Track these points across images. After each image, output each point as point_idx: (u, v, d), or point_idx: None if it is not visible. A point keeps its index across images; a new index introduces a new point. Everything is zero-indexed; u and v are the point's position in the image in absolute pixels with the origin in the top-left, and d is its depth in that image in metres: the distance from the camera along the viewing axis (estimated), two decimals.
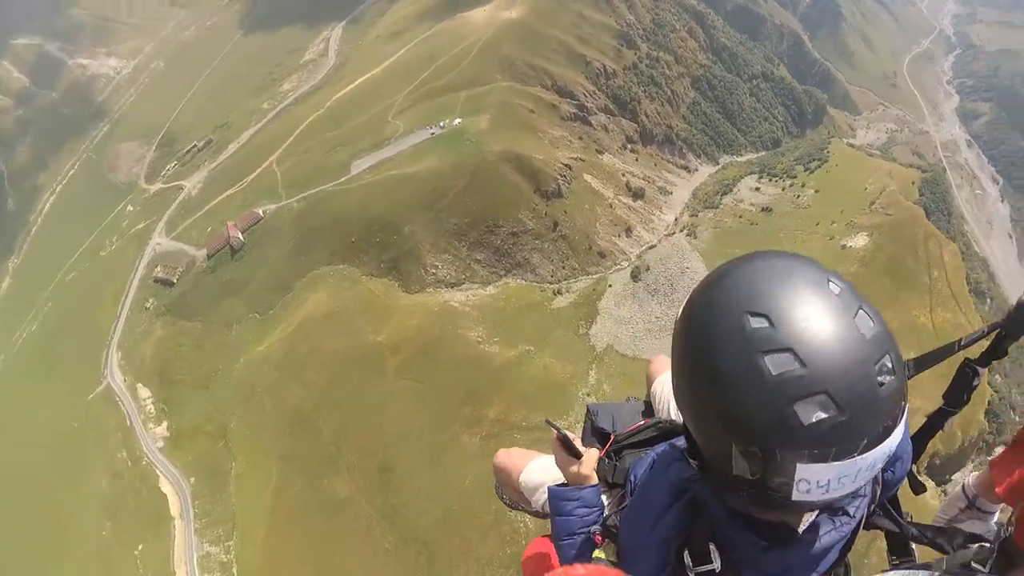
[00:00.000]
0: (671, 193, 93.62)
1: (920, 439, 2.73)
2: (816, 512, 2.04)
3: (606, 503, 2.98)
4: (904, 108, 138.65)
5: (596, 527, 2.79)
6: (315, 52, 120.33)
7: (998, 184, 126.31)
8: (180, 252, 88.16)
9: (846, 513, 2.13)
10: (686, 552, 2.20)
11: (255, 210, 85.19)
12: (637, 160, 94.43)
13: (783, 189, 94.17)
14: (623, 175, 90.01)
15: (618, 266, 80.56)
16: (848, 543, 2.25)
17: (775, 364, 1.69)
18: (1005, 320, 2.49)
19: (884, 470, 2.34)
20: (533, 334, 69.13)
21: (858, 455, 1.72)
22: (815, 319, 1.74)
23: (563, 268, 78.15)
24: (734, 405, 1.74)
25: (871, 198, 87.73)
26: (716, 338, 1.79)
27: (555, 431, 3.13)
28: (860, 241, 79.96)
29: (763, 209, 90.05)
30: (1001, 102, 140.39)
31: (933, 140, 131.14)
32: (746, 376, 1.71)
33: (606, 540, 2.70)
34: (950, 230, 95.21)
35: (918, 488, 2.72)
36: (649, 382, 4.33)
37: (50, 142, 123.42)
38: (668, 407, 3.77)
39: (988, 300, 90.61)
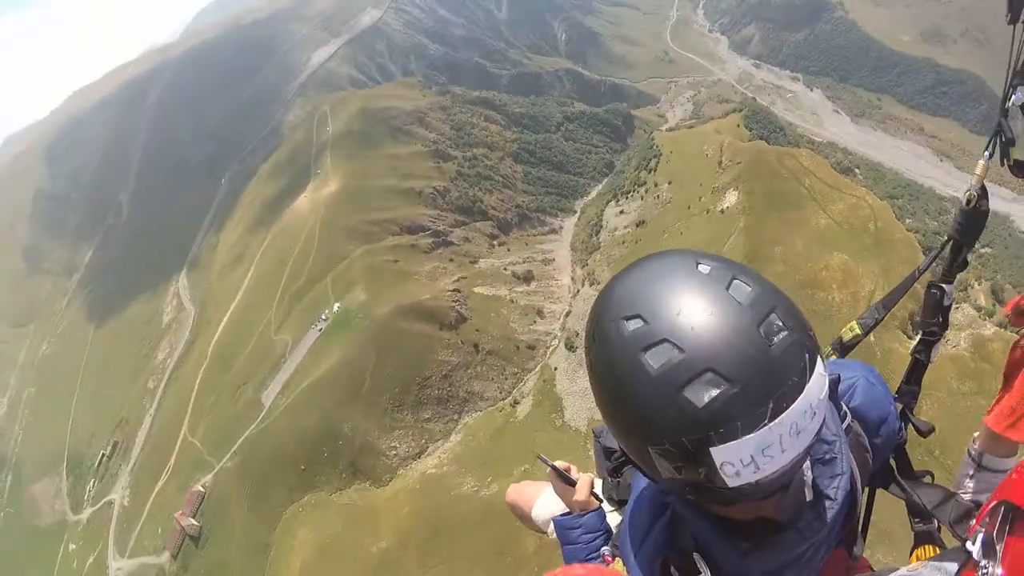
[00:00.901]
0: (554, 259, 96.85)
1: (910, 377, 2.79)
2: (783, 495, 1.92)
3: (614, 523, 3.01)
4: (690, 73, 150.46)
5: (605, 548, 2.81)
6: (172, 310, 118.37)
7: (799, 80, 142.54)
8: (143, 567, 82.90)
9: (826, 497, 2.07)
10: (672, 568, 2.14)
11: (194, 489, 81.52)
12: (509, 250, 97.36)
13: (642, 198, 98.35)
14: (506, 269, 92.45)
15: (550, 347, 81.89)
16: (843, 524, 2.18)
17: (655, 357, 1.67)
18: (953, 230, 2.64)
19: (871, 438, 2.42)
20: (518, 452, 68.41)
21: (769, 421, 1.64)
22: (686, 303, 1.72)
23: (506, 379, 78.75)
24: (632, 408, 1.74)
25: (716, 159, 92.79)
26: (603, 350, 1.79)
27: (547, 465, 3.22)
28: (732, 198, 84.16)
29: (637, 224, 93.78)
30: (758, 16, 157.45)
31: (728, 82, 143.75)
32: (634, 377, 1.70)
33: (616, 558, 2.61)
34: (792, 140, 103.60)
35: (923, 429, 2.71)
36: None
37: None
38: None
39: (855, 171, 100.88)
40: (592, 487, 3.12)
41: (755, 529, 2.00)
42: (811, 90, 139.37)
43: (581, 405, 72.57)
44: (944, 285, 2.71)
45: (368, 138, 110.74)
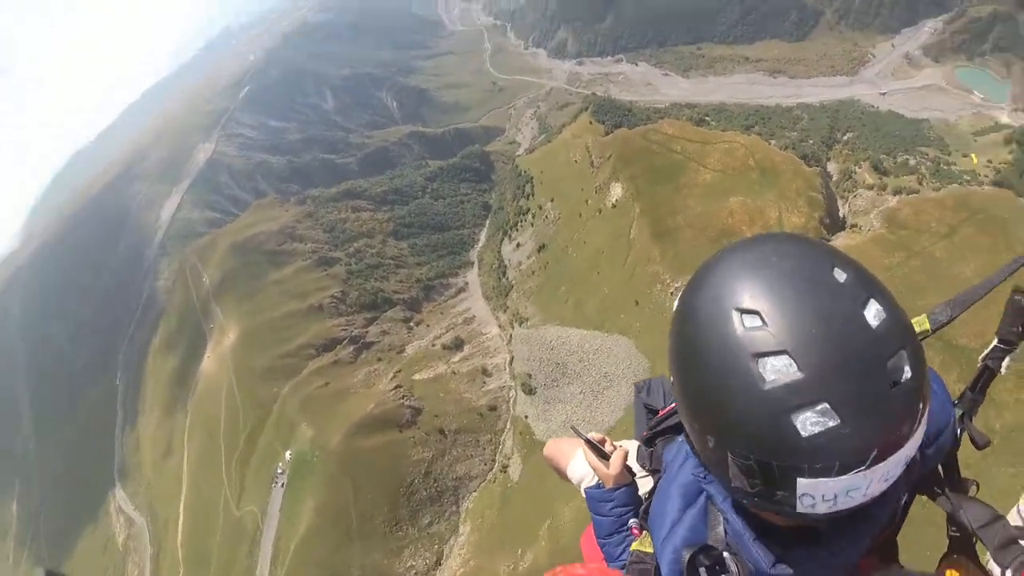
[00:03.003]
0: (474, 316, 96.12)
1: (976, 385, 2.63)
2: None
3: (644, 490, 2.97)
4: (523, 94, 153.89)
5: (633, 521, 2.81)
6: (122, 528, 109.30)
7: (623, 60, 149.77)
8: None
9: (870, 515, 1.95)
10: (699, 559, 2.04)
11: None
12: (428, 326, 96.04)
13: (532, 224, 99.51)
14: (434, 346, 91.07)
15: (511, 400, 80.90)
16: (876, 535, 2.11)
17: (770, 369, 1.57)
18: None
19: (924, 448, 2.23)
20: (532, 512, 66.36)
21: (867, 468, 1.57)
22: (815, 314, 1.60)
23: (484, 450, 77.32)
24: (728, 414, 1.64)
25: (587, 160, 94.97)
26: (705, 339, 1.69)
27: (581, 438, 3.12)
28: (617, 190, 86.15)
29: (539, 250, 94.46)
30: (563, 19, 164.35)
31: (561, 88, 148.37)
32: (739, 383, 1.60)
33: (645, 531, 2.61)
34: (642, 117, 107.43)
35: (981, 441, 2.53)
36: None
37: None
38: None
39: (707, 120, 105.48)
40: (626, 459, 3.03)
41: (793, 535, 1.96)
42: (636, 65, 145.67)
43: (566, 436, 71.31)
44: None
45: (248, 273, 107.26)
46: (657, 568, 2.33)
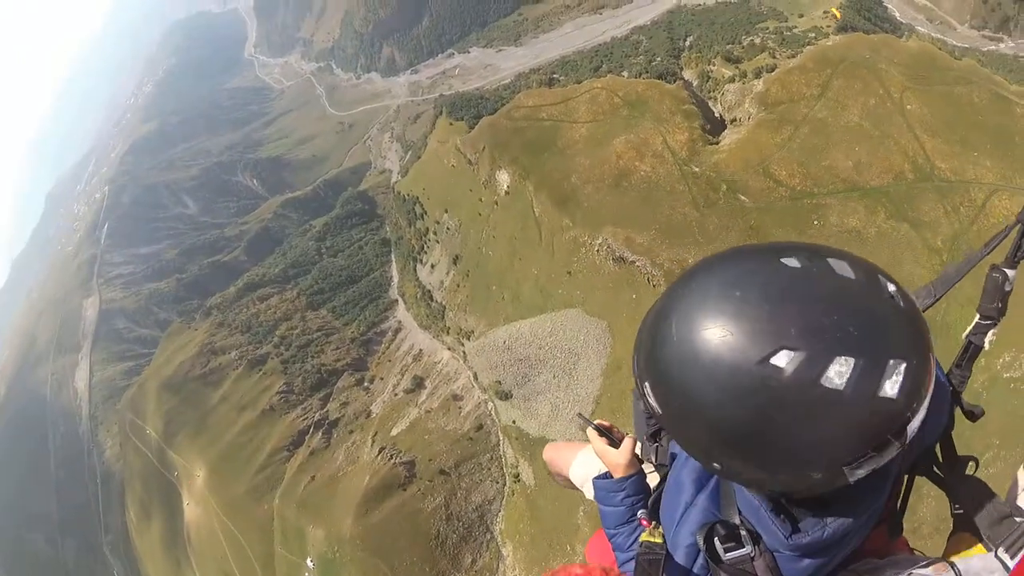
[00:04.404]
0: (420, 350, 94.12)
1: (962, 360, 2.70)
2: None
3: (653, 485, 2.98)
4: (373, 120, 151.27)
5: (642, 512, 2.81)
6: None
7: (455, 54, 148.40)
8: None
9: (873, 485, 2.06)
10: (716, 538, 2.16)
11: None
12: (382, 378, 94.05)
13: (437, 242, 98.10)
14: (396, 395, 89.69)
15: (490, 411, 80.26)
16: (883, 505, 2.22)
17: (836, 375, 1.62)
18: None
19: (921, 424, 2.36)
20: (564, 508, 66.59)
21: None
22: (830, 309, 1.67)
23: (490, 468, 76.97)
24: (820, 436, 1.69)
25: (463, 160, 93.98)
26: (758, 398, 1.65)
27: (588, 424, 3.14)
28: (504, 177, 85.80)
29: (455, 263, 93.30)
30: (381, 37, 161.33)
31: (407, 101, 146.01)
32: (822, 406, 1.63)
33: (654, 522, 2.67)
34: (496, 100, 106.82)
35: (976, 412, 2.62)
36: None
37: None
38: None
39: (556, 79, 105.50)
40: (635, 447, 3.03)
41: (804, 506, 2.05)
42: (468, 53, 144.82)
43: (562, 427, 71.45)
44: (1007, 270, 2.52)
45: (188, 407, 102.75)
46: (667, 558, 2.36)
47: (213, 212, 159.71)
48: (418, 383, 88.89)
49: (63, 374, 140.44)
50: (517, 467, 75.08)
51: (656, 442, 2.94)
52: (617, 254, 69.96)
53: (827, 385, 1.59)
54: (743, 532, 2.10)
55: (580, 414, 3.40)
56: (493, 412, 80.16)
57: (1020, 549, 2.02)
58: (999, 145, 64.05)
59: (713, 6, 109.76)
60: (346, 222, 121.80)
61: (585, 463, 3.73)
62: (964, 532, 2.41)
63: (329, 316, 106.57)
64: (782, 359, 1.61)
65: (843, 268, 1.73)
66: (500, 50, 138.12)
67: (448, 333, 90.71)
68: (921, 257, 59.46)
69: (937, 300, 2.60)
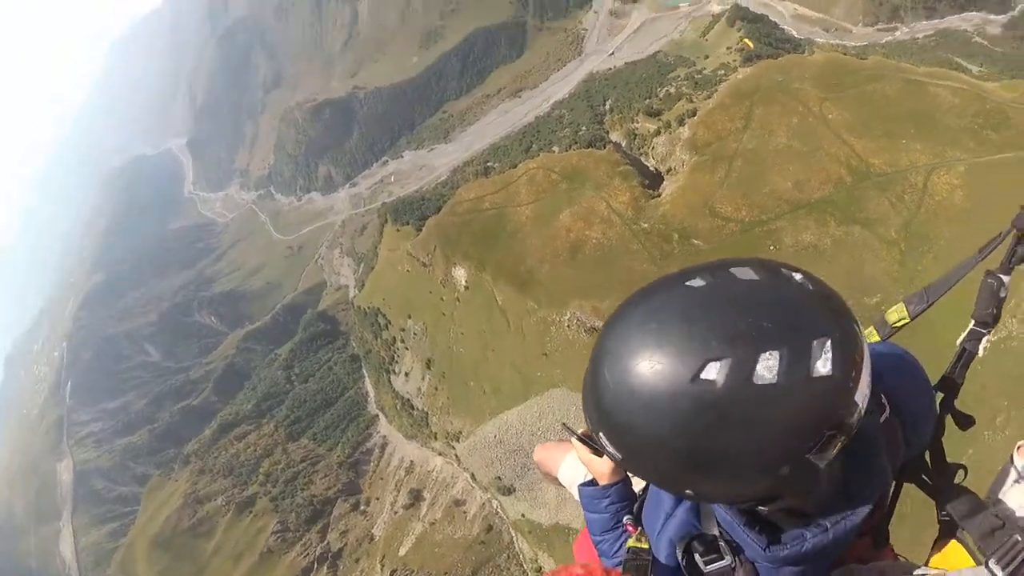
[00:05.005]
0: (411, 462, 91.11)
1: (955, 368, 2.60)
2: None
3: (637, 488, 2.88)
4: (321, 238, 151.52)
5: (628, 518, 2.74)
6: None
7: (388, 161, 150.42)
8: None
9: (858, 496, 2.03)
10: (696, 551, 2.16)
11: None
12: (378, 499, 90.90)
13: (407, 349, 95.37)
14: (396, 513, 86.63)
15: (497, 511, 77.79)
16: (868, 516, 2.08)
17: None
18: (1019, 219, 2.40)
19: (906, 429, 2.34)
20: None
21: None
22: (767, 313, 1.72)
23: (509, 571, 74.29)
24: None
25: (418, 263, 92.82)
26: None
27: (572, 434, 2.98)
28: (461, 273, 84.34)
29: (428, 367, 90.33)
30: (315, 155, 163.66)
31: (351, 215, 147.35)
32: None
33: (640, 528, 2.57)
34: (437, 195, 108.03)
35: (965, 422, 2.59)
36: None
37: None
38: None
39: (492, 167, 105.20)
40: None
41: (781, 516, 2.06)
42: (402, 157, 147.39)
43: (573, 510, 67.30)
44: (1002, 276, 2.53)
45: (183, 563, 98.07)
46: (653, 563, 2.39)
47: (176, 356, 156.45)
48: (416, 496, 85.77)
49: (46, 544, 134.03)
50: (537, 560, 71.86)
51: None
52: (588, 325, 69.22)
53: (760, 383, 1.63)
54: (722, 544, 2.11)
55: (565, 424, 3.18)
56: (500, 510, 77.33)
57: (1011, 561, 2.00)
58: (922, 127, 66.41)
59: (623, 67, 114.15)
60: (311, 345, 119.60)
61: (573, 466, 3.53)
62: (949, 539, 2.40)
63: (311, 444, 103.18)
64: (711, 371, 1.64)
65: (746, 273, 1.79)
66: (431, 149, 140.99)
67: (436, 439, 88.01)
68: (880, 252, 60.29)
69: (931, 305, 2.55)
